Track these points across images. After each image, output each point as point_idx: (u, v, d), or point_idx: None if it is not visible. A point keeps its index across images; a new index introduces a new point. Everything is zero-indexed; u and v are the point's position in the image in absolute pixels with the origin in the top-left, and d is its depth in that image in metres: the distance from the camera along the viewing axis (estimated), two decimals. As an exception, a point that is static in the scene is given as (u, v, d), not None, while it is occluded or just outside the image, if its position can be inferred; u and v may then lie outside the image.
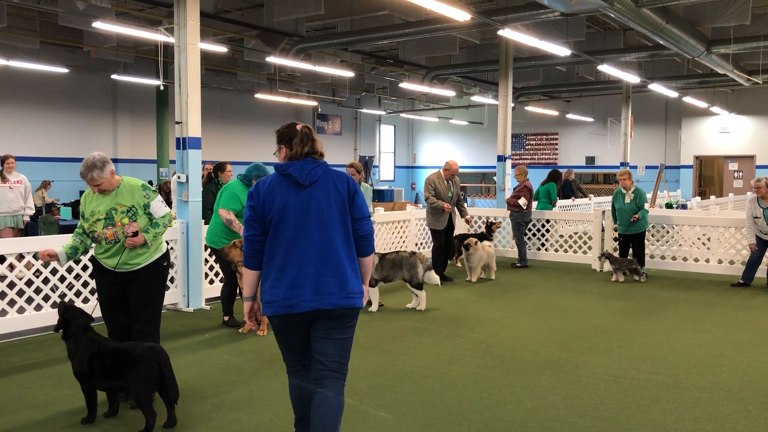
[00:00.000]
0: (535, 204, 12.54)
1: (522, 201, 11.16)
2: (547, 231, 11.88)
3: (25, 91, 17.08)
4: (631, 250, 10.28)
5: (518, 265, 11.25)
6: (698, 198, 17.04)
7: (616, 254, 10.40)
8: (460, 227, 11.26)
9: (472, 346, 6.28)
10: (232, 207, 6.75)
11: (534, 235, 12.07)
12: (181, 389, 4.42)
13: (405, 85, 18.48)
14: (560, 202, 15.25)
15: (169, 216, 4.80)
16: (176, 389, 4.22)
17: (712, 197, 17.93)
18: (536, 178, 11.69)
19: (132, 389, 4.07)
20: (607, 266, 10.41)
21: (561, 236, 12.22)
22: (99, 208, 4.59)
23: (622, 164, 19.96)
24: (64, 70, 16.20)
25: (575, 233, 11.87)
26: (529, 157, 27.32)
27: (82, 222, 4.70)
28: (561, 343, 6.35)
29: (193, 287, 7.84)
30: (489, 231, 11.13)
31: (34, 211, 10.25)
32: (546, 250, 11.86)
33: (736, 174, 23.43)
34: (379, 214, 10.49)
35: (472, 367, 5.59)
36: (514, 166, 12.72)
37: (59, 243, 6.68)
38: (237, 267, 6.51)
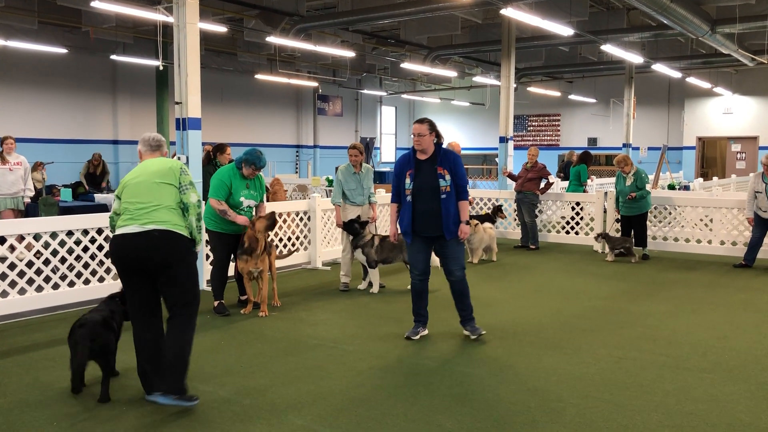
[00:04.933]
0: (565, 185, 12.61)
1: (544, 183, 11.15)
2: (577, 214, 11.72)
3: (23, 71, 16.96)
4: (632, 232, 10.26)
5: (532, 247, 11.19)
6: (701, 179, 16.97)
7: (619, 235, 10.37)
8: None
9: (473, 327, 6.27)
10: (221, 196, 6.57)
11: (563, 218, 12.03)
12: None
13: (406, 65, 18.35)
14: (560, 183, 15.21)
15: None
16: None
17: (715, 178, 17.86)
18: (540, 160, 11.59)
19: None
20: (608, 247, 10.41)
21: (563, 217, 12.19)
22: None
23: (625, 146, 19.87)
24: (63, 51, 16.08)
25: (577, 215, 11.82)
26: (531, 138, 27.22)
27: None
28: (563, 324, 6.35)
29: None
30: (494, 215, 11.09)
31: (33, 193, 10.22)
32: (576, 233, 11.70)
33: (738, 155, 23.33)
34: (380, 196, 10.44)
35: (473, 349, 5.58)
36: (524, 147, 12.65)
37: (63, 223, 6.69)
38: (253, 244, 6.52)
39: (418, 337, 5.87)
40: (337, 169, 8.32)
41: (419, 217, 5.67)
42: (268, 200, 8.97)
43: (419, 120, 5.74)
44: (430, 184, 5.65)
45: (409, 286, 7.93)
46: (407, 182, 5.69)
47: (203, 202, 7.74)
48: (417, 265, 5.87)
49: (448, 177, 5.63)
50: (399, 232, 6.01)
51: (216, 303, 6.80)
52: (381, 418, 4.14)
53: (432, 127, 5.71)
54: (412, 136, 5.71)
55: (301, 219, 9.42)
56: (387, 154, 29.84)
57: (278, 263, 7.52)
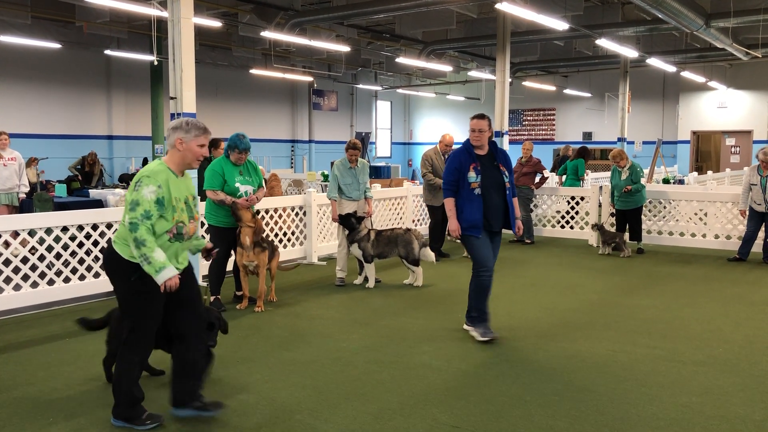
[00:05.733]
0: (562, 179, 12.64)
1: (539, 177, 11.20)
2: (572, 208, 11.73)
3: (17, 67, 16.88)
4: (627, 226, 10.29)
5: (527, 241, 11.22)
6: (695, 173, 17.02)
7: (613, 229, 10.39)
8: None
9: (469, 321, 6.29)
10: (216, 185, 6.59)
11: (558, 212, 12.06)
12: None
13: (401, 60, 18.32)
14: (555, 178, 15.22)
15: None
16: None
17: (709, 172, 17.90)
18: (534, 155, 11.62)
19: None
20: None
21: (558, 212, 12.21)
22: (180, 195, 3.90)
23: (620, 140, 19.90)
24: (57, 46, 16.00)
25: (572, 209, 11.84)
26: (526, 132, 27.23)
27: (158, 213, 3.75)
28: (558, 318, 6.37)
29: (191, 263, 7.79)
30: None
31: (29, 189, 10.19)
32: (571, 228, 11.71)
33: (733, 149, 23.40)
34: (376, 191, 10.45)
35: (469, 343, 5.60)
36: (519, 142, 12.67)
37: (54, 220, 6.67)
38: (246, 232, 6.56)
39: (494, 335, 5.63)
40: (332, 163, 8.31)
41: (488, 211, 5.62)
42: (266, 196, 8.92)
43: (479, 116, 5.72)
44: (495, 180, 5.65)
45: (405, 281, 7.99)
46: (472, 176, 5.59)
47: (197, 198, 7.71)
48: (488, 261, 5.66)
49: (506, 174, 5.71)
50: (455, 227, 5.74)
51: (212, 298, 6.79)
52: (377, 413, 4.15)
53: (490, 123, 5.76)
54: (471, 131, 5.68)
55: (297, 214, 9.42)
56: (382, 148, 29.81)
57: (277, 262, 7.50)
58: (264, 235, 7.00)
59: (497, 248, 5.80)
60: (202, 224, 7.75)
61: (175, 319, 4.01)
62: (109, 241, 3.90)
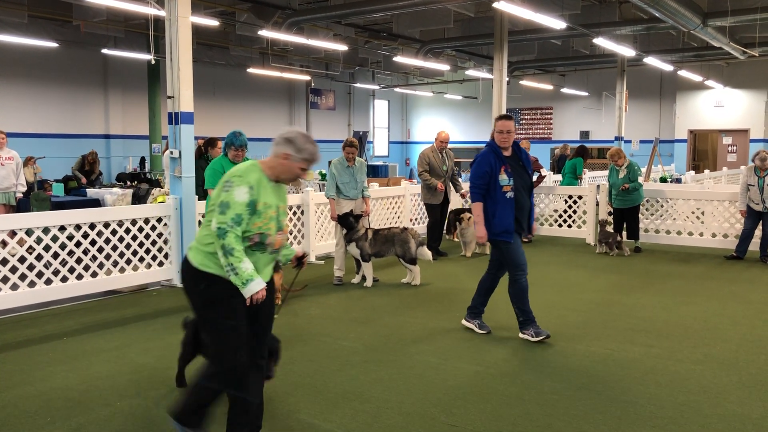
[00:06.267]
0: (559, 178, 12.65)
1: (537, 176, 11.22)
2: (570, 207, 11.74)
3: (14, 66, 16.83)
4: (624, 224, 10.30)
5: (525, 240, 11.21)
6: (692, 172, 17.04)
7: (610, 228, 10.38)
8: (456, 202, 11.24)
9: (467, 320, 6.30)
10: (215, 184, 6.61)
11: (556, 211, 12.06)
12: (172, 365, 4.41)
13: (399, 59, 18.31)
14: (554, 177, 15.23)
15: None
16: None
17: (706, 171, 17.94)
18: (532, 153, 11.63)
19: None
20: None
21: (555, 210, 12.22)
22: (271, 201, 3.48)
23: (617, 138, 19.91)
24: (54, 45, 15.95)
25: (570, 208, 11.85)
26: (524, 132, 27.24)
27: (248, 217, 3.37)
28: (556, 317, 6.37)
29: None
30: None
31: (26, 188, 10.17)
32: (569, 226, 11.74)
33: (730, 148, 23.42)
34: (373, 190, 10.45)
35: (467, 342, 5.60)
36: (517, 141, 12.66)
37: (51, 219, 6.66)
38: None
39: (546, 334, 5.58)
40: (330, 162, 8.30)
41: (519, 213, 5.56)
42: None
43: (507, 117, 5.64)
44: (524, 181, 5.62)
45: (402, 280, 7.99)
46: (504, 179, 5.49)
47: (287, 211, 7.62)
48: (523, 264, 5.60)
49: (529, 174, 5.72)
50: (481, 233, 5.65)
51: None
52: (375, 412, 4.15)
53: (515, 123, 5.69)
54: (498, 132, 5.56)
55: (295, 213, 9.41)
56: (380, 147, 29.79)
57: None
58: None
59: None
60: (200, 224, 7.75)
61: None
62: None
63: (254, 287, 3.31)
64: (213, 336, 3.47)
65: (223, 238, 3.28)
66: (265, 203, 3.42)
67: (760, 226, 9.40)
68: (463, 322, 5.98)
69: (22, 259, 6.46)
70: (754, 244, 9.56)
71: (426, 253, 8.01)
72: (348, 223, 7.76)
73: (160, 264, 7.62)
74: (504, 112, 14.03)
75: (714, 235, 10.46)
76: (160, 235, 7.60)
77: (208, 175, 6.68)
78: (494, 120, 5.72)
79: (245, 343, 3.43)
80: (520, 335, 5.69)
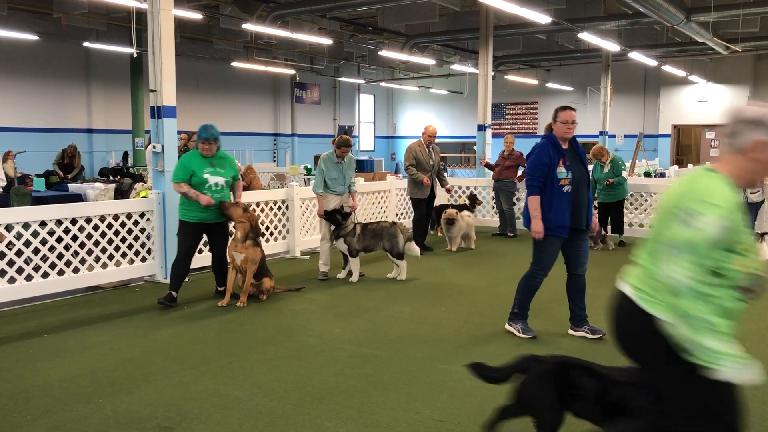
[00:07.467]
0: None
1: (522, 170, 11.24)
2: None
3: (-7, 59, 16.62)
4: (609, 219, 10.35)
5: (510, 234, 11.27)
6: (676, 167, 17.17)
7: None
8: (441, 197, 11.24)
9: (452, 315, 6.30)
10: (180, 178, 6.53)
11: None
12: (163, 361, 4.38)
13: (384, 53, 18.26)
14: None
15: None
16: None
17: (690, 166, 18.08)
18: (517, 148, 11.66)
19: None
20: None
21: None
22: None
23: (601, 133, 20.01)
24: (34, 38, 15.76)
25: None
26: (509, 126, 27.28)
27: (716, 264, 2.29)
28: (541, 311, 6.38)
29: (171, 259, 7.72)
30: (472, 203, 11.19)
31: (5, 183, 10.01)
32: None
33: (713, 143, 23.61)
34: (359, 185, 10.41)
35: (452, 336, 5.60)
36: (501, 136, 12.68)
37: (32, 214, 6.56)
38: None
39: (534, 333, 5.56)
40: (316, 157, 8.25)
41: (576, 208, 5.34)
42: (244, 189, 8.87)
43: (569, 107, 5.46)
44: (582, 175, 5.41)
45: (389, 275, 7.97)
46: (563, 172, 5.27)
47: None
48: (549, 268, 5.47)
49: (587, 168, 5.54)
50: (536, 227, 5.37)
51: (168, 292, 6.62)
52: (360, 406, 4.13)
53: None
54: (563, 122, 5.40)
55: (279, 208, 9.36)
56: (365, 142, 29.74)
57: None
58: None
59: (585, 244, 5.52)
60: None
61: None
62: (620, 296, 2.55)
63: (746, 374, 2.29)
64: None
65: (679, 297, 2.31)
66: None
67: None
68: (570, 331, 5.68)
69: (1, 255, 6.36)
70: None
71: (414, 248, 7.98)
72: (335, 220, 7.73)
73: (143, 259, 7.54)
74: (489, 107, 13.99)
75: (697, 229, 10.52)
76: (142, 230, 7.52)
77: (175, 169, 6.62)
78: (555, 110, 5.48)
79: None
80: (507, 327, 5.71)
